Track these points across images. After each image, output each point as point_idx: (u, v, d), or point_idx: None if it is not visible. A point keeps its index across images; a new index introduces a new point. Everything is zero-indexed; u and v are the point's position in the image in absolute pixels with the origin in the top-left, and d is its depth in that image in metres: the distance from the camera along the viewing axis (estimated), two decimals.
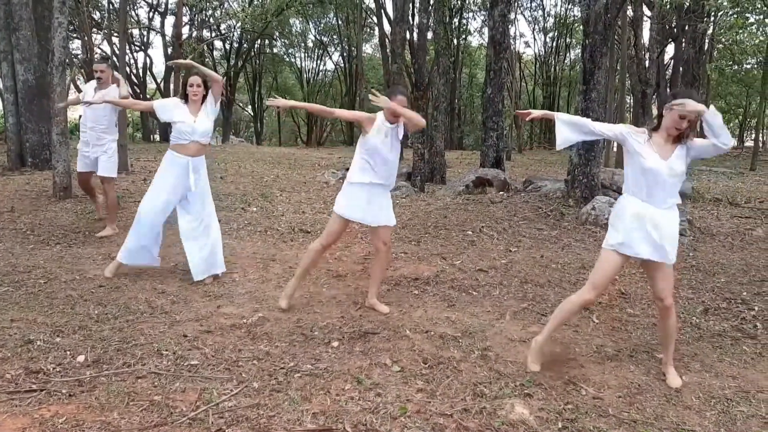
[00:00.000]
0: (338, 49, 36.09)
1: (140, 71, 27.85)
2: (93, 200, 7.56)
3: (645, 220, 3.46)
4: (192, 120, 5.26)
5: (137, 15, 27.61)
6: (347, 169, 4.94)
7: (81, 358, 3.54)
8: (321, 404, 3.12)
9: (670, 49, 26.07)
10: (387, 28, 23.86)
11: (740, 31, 18.29)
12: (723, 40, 22.14)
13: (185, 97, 5.34)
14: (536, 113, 3.80)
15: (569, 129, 3.64)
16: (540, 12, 38.63)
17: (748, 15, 18.80)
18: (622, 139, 3.57)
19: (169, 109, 5.34)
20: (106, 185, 6.97)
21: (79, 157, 7.04)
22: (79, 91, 7.38)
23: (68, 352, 3.63)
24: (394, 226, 4.75)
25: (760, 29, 19.41)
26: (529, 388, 3.41)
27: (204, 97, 5.34)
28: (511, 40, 26.83)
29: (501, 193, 10.29)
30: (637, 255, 3.51)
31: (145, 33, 27.79)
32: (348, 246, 6.83)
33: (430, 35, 13.99)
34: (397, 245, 6.91)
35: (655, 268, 3.55)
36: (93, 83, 6.85)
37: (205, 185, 5.46)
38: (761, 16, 17.93)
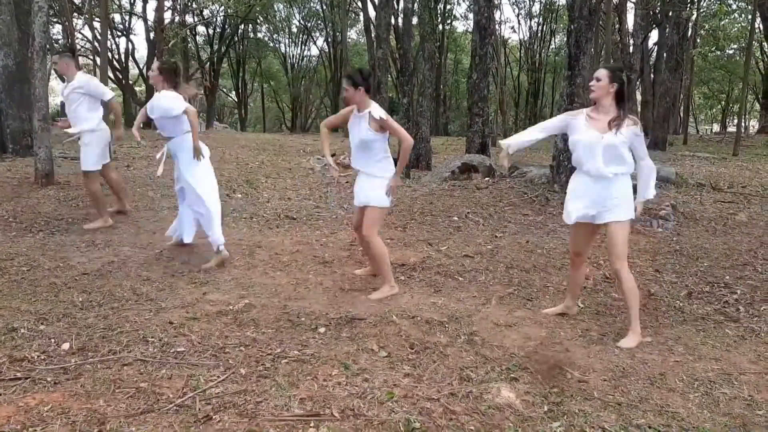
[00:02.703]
0: (323, 34, 35.87)
1: (122, 56, 27.52)
2: (116, 194, 7.05)
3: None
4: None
5: None
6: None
7: (66, 346, 3.51)
8: (308, 390, 3.12)
9: (654, 35, 26.20)
10: (372, 13, 23.75)
11: (723, 17, 18.40)
12: (706, 26, 22.24)
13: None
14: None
15: (518, 140, 4.18)
16: None
17: (731, 2, 18.92)
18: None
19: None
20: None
21: None
22: (62, 80, 7.06)
23: (53, 340, 3.59)
24: (376, 208, 4.74)
25: (743, 15, 19.54)
26: (515, 372, 3.44)
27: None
28: (497, 26, 26.83)
29: (486, 179, 10.31)
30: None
31: (126, 18, 27.43)
32: (333, 232, 6.83)
33: (415, 20, 13.95)
34: (383, 231, 6.90)
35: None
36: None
37: (186, 165, 5.46)
38: (743, 3, 18.06)
